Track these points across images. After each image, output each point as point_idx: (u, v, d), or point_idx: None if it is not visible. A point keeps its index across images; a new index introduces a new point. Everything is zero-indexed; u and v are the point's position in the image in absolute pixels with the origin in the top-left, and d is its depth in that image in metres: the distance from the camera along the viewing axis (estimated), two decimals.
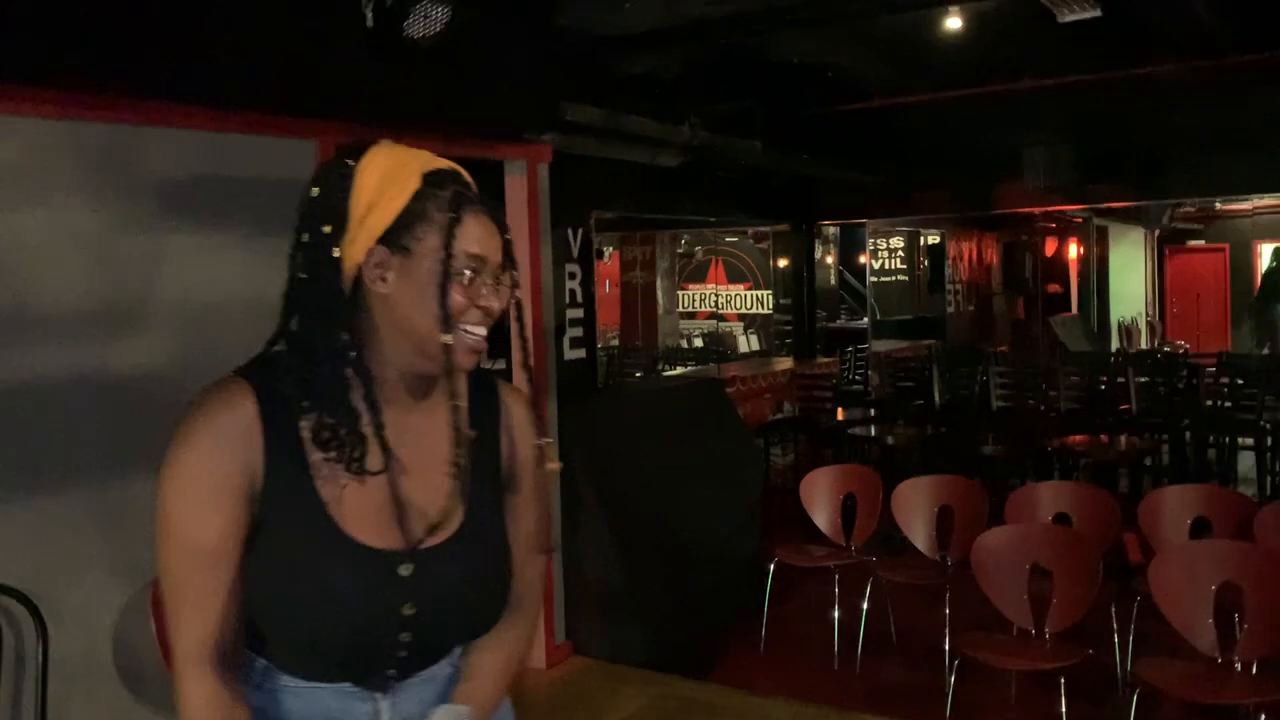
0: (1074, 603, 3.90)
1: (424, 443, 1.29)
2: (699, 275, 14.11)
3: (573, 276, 5.30)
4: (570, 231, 5.23)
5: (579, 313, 5.30)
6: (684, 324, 13.50)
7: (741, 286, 13.61)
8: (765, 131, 6.55)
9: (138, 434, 2.98)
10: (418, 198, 1.20)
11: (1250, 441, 7.32)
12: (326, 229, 1.20)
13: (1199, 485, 5.07)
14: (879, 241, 12.96)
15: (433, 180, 1.22)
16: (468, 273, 1.21)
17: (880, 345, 10.65)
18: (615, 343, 12.38)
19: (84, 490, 2.95)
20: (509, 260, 1.27)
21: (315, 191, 1.23)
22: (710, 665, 4.77)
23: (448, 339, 1.20)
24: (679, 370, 9.81)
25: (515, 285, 1.28)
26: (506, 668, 1.43)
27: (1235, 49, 5.68)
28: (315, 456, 1.22)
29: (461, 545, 1.30)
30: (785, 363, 9.45)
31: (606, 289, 12.68)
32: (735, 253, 13.76)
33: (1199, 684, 3.53)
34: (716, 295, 13.80)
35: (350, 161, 1.22)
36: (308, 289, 1.22)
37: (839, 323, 11.81)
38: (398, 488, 1.25)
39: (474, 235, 1.21)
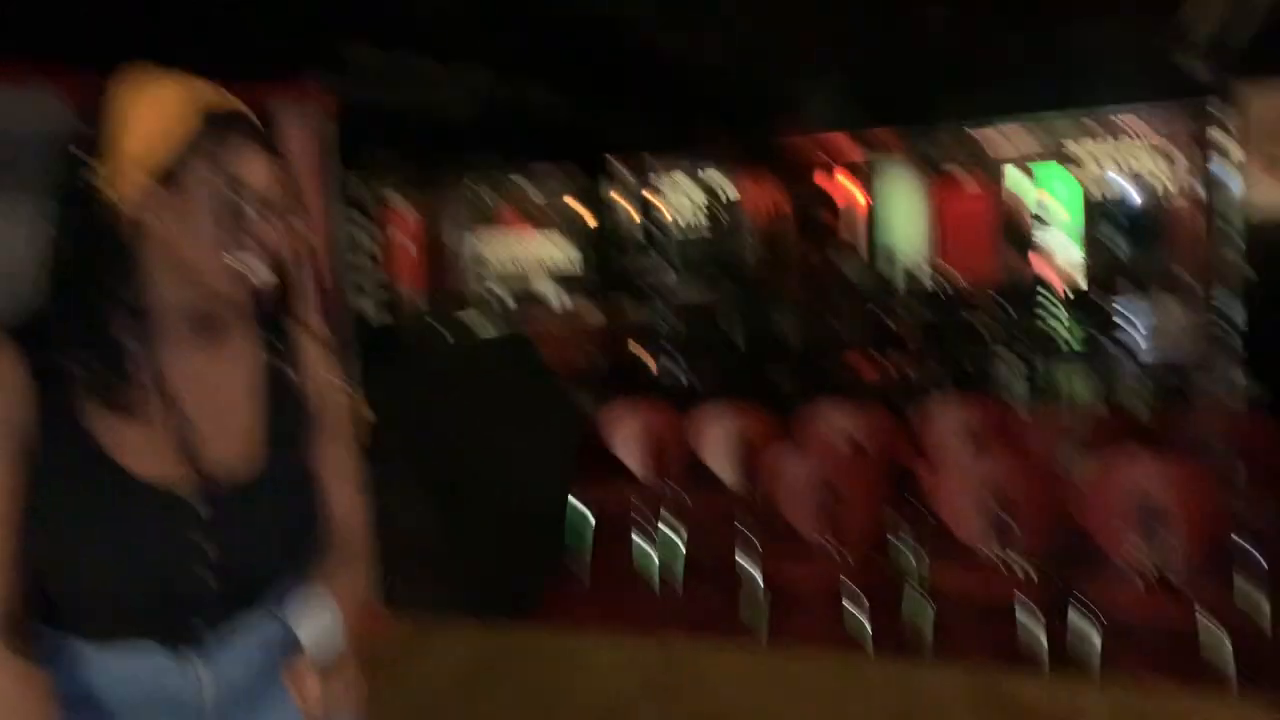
0: (865, 517, 4.16)
1: (209, 381, 1.26)
2: (500, 227, 13.88)
3: (362, 229, 5.13)
4: (357, 181, 5.05)
5: (371, 267, 5.15)
6: (486, 278, 13.30)
7: (543, 237, 13.51)
8: (556, 75, 6.51)
9: None
10: (191, 130, 1.16)
11: (1017, 359, 7.94)
12: (93, 165, 1.16)
13: (972, 400, 5.47)
14: (677, 188, 13.14)
15: (207, 113, 1.18)
16: (245, 206, 1.18)
17: (682, 290, 10.86)
18: (415, 300, 12.07)
19: None
20: (291, 198, 1.23)
21: (81, 127, 1.18)
22: (530, 610, 4.81)
23: (234, 269, 1.18)
24: (484, 324, 9.70)
25: (301, 224, 1.25)
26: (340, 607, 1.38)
27: None
28: (90, 401, 1.17)
29: (257, 482, 1.27)
30: (591, 312, 9.52)
31: (401, 244, 12.31)
32: (536, 203, 13.62)
33: (979, 584, 3.86)
34: (519, 247, 13.64)
35: (118, 94, 1.17)
36: (74, 229, 1.17)
37: (642, 270, 11.94)
38: (181, 425, 1.22)
39: (250, 168, 1.18)
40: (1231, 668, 3.49)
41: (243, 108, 1.23)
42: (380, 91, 4.95)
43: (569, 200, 11.22)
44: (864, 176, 12.16)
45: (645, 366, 8.38)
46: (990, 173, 13.10)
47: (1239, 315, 6.30)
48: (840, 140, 10.31)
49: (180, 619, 1.24)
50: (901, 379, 7.30)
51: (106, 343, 1.17)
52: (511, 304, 10.91)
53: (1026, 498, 3.86)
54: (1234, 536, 3.80)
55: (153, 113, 1.15)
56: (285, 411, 1.32)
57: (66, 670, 1.21)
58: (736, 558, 4.51)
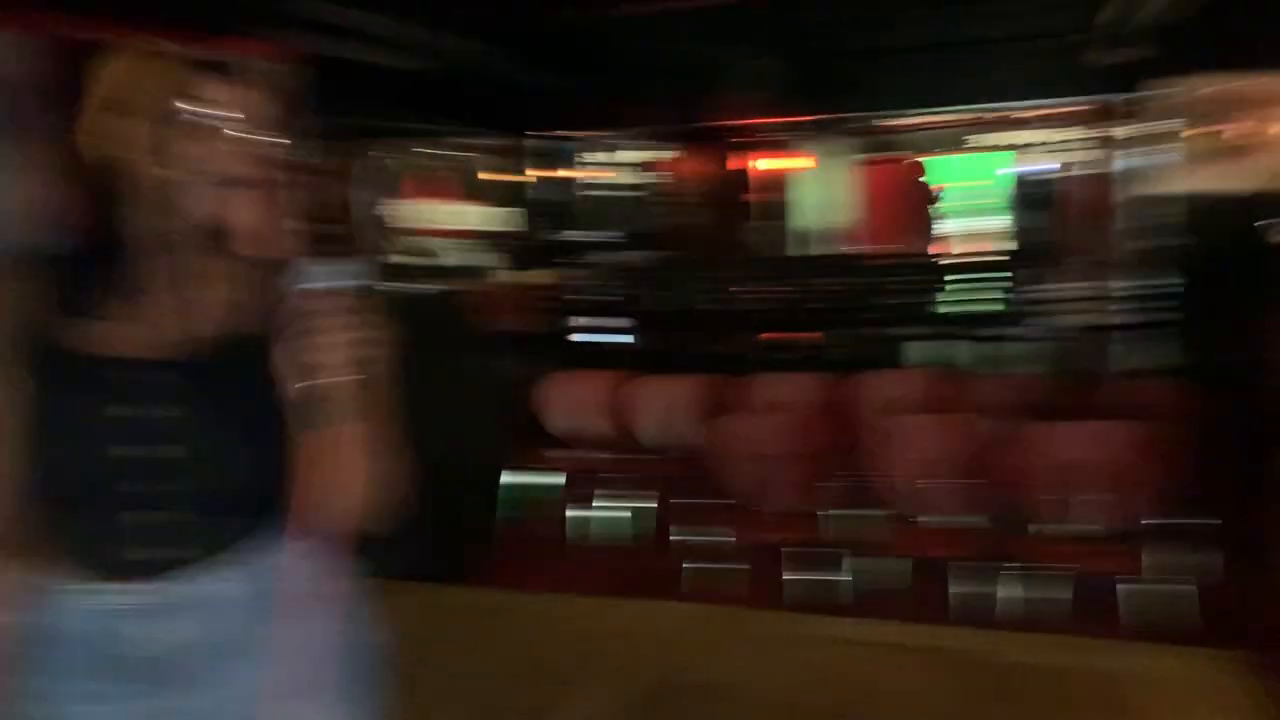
0: (808, 483, 4.28)
1: (190, 291, 1.29)
2: (419, 189, 13.64)
3: (312, 189, 5.04)
4: (309, 140, 4.94)
5: (317, 226, 5.05)
6: (404, 240, 13.07)
7: (462, 201, 13.34)
8: (501, 39, 6.42)
9: None
10: (154, 72, 1.24)
11: (941, 331, 8.14)
12: (84, 129, 1.24)
13: (905, 371, 5.64)
14: (601, 155, 13.11)
15: (168, 56, 1.26)
16: (206, 122, 1.23)
17: (606, 256, 10.86)
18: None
19: None
20: (260, 118, 1.28)
21: (69, 89, 1.25)
22: (474, 572, 4.81)
23: (208, 192, 1.24)
24: (405, 287, 9.55)
25: (271, 145, 1.29)
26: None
27: None
28: (81, 318, 1.25)
29: (215, 370, 1.27)
30: (514, 276, 9.48)
31: (330, 204, 11.98)
32: (446, 166, 13.42)
33: (920, 546, 4.03)
34: (438, 210, 13.43)
35: (101, 58, 1.26)
36: (77, 178, 1.25)
37: (562, 236, 11.90)
38: (153, 320, 1.27)
39: (211, 88, 1.24)
40: (1162, 622, 3.68)
41: (205, 53, 1.28)
42: (327, 46, 4.84)
43: (498, 169, 11.10)
44: (788, 155, 12.35)
45: (575, 334, 8.41)
46: (910, 155, 13.43)
47: (1159, 289, 6.59)
48: (764, 120, 10.46)
49: (112, 530, 1.25)
50: (831, 351, 7.49)
51: (93, 266, 1.26)
52: (435, 270, 10.78)
53: (963, 463, 4.02)
54: (1162, 497, 4.00)
55: (120, 65, 1.25)
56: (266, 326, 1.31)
57: (45, 609, 1.27)
58: (680, 523, 4.59)
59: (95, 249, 1.26)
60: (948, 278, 8.67)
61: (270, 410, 1.28)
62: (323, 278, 1.19)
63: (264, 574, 1.32)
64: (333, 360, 1.17)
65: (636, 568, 4.92)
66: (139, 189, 1.24)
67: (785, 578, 4.15)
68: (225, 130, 1.24)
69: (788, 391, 5.13)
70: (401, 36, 5.59)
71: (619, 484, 5.10)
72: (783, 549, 4.14)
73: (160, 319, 1.26)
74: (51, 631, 1.27)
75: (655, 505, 5.24)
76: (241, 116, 1.26)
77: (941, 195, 14.38)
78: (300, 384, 1.19)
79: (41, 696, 1.28)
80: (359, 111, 7.19)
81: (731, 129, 11.36)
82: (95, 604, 1.25)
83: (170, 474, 1.23)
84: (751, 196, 12.23)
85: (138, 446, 1.22)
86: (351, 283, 1.21)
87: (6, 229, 1.28)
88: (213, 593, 1.28)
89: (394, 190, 11.73)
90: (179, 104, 1.22)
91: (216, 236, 1.28)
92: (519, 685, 3.56)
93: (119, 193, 1.24)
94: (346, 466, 1.28)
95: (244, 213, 1.27)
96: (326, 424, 1.24)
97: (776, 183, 12.56)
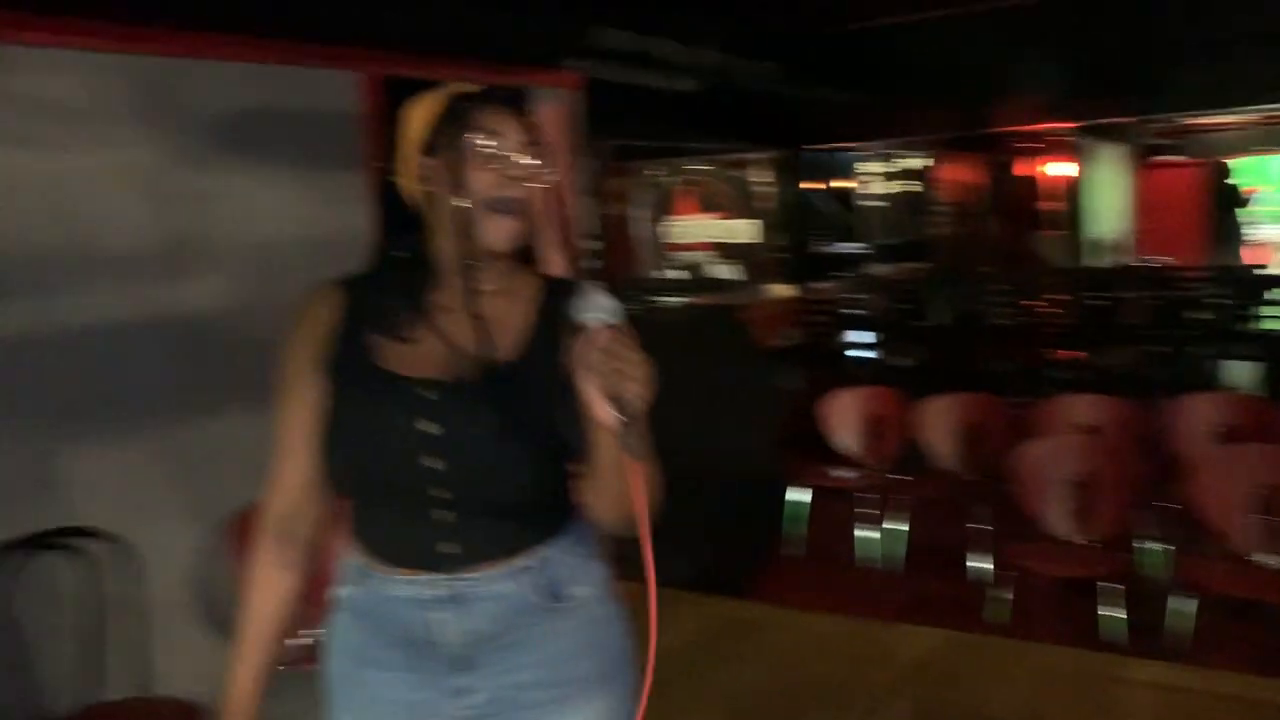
0: (1115, 512, 4.00)
1: (482, 311, 1.37)
2: (675, 206, 13.91)
3: (591, 209, 5.25)
4: (590, 162, 5.16)
5: (594, 244, 5.26)
6: (679, 255, 13.35)
7: (717, 215, 13.48)
8: (775, 54, 6.47)
9: (202, 375, 2.95)
10: (442, 109, 1.36)
11: (1242, 350, 7.42)
12: (390, 163, 1.40)
13: (1219, 393, 5.18)
14: (866, 165, 12.89)
15: (455, 94, 1.37)
16: (488, 151, 1.32)
17: (881, 268, 10.64)
18: (623, 278, 12.17)
19: (153, 432, 2.91)
20: (538, 145, 1.36)
21: (387, 124, 1.40)
22: (745, 585, 4.84)
23: (499, 216, 1.32)
24: (682, 301, 9.77)
25: (549, 170, 1.36)
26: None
27: None
28: (382, 335, 1.36)
29: (498, 388, 1.33)
30: (782, 289, 9.46)
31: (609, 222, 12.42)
32: (709, 181, 13.58)
33: (1243, 586, 3.65)
34: (695, 226, 13.65)
35: (410, 100, 1.39)
36: (386, 212, 1.42)
37: (828, 248, 11.77)
38: (444, 343, 1.36)
39: (492, 120, 1.34)
40: None
41: (497, 84, 1.39)
42: (618, 73, 5.03)
43: (770, 183, 11.12)
44: (1071, 159, 11.59)
45: (850, 348, 8.27)
46: (1205, 158, 12.29)
47: None
48: (1052, 124, 9.88)
49: (422, 528, 1.33)
50: (1126, 368, 6.95)
51: (396, 288, 1.38)
52: (698, 285, 10.96)
53: None
54: None
55: (417, 107, 1.38)
56: (545, 338, 1.37)
57: (357, 595, 1.41)
58: (966, 547, 4.41)
59: (403, 272, 1.38)
60: (1255, 291, 7.82)
61: (554, 426, 1.33)
62: (603, 309, 1.22)
63: (551, 574, 1.39)
64: (615, 391, 1.18)
65: (917, 591, 4.76)
66: (441, 217, 1.35)
67: (1099, 613, 3.87)
68: (515, 158, 1.34)
69: (1091, 413, 4.80)
70: (679, 58, 5.72)
71: (899, 504, 4.97)
72: (1090, 583, 3.86)
73: (456, 339, 1.35)
74: (355, 607, 1.41)
75: (938, 528, 5.07)
76: (530, 144, 1.35)
77: (1252, 201, 13.00)
78: (588, 409, 1.21)
79: (344, 660, 1.43)
80: (636, 133, 7.42)
81: (1016, 134, 10.82)
82: (395, 589, 1.37)
83: (459, 484, 1.31)
84: (1040, 205, 11.56)
85: (433, 457, 1.30)
86: (621, 317, 1.23)
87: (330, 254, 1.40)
88: (502, 590, 1.36)
89: (669, 207, 12.04)
90: (475, 139, 1.32)
91: (509, 259, 1.38)
92: (788, 702, 3.51)
93: (425, 220, 1.37)
94: (625, 490, 1.26)
95: (533, 235, 1.37)
96: (611, 451, 1.26)
97: (1067, 190, 11.81)
